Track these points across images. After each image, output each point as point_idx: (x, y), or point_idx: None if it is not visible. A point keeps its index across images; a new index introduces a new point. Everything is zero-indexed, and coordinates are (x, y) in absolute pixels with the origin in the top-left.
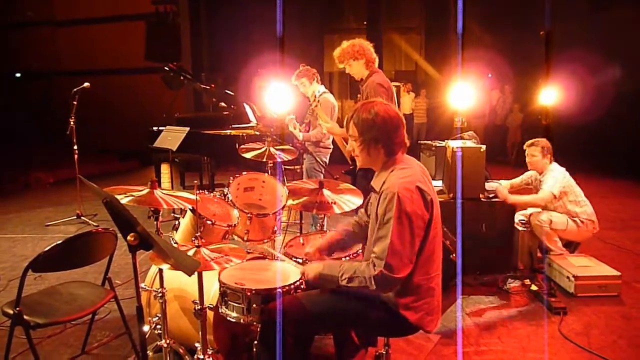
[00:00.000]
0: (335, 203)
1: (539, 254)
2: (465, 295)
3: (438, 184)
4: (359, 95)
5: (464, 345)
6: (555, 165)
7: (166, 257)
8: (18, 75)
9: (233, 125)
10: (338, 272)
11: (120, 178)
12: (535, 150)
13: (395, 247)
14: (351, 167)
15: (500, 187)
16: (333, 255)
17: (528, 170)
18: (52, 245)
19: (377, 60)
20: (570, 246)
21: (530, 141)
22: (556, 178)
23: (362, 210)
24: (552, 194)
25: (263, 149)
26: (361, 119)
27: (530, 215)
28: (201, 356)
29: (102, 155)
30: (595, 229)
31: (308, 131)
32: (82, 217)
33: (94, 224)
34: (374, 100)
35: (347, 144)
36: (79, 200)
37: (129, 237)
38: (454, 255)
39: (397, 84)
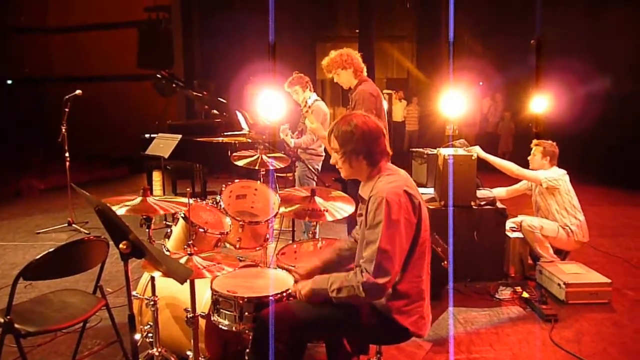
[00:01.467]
0: (327, 210)
1: (529, 261)
2: (456, 303)
3: (430, 191)
4: (349, 104)
5: (456, 352)
6: (555, 168)
7: (158, 265)
8: (9, 82)
9: (225, 133)
10: (327, 284)
11: (111, 185)
12: (537, 150)
13: (384, 252)
14: (339, 175)
15: (476, 148)
16: None
17: (474, 148)
18: (44, 253)
19: (365, 69)
20: (561, 254)
21: (537, 141)
22: (552, 171)
23: (357, 227)
24: (538, 178)
25: (255, 157)
26: (341, 131)
27: (522, 221)
28: None
29: (93, 162)
30: (585, 239)
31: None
32: (74, 225)
33: (86, 231)
34: (352, 113)
35: None
36: (70, 208)
37: (121, 245)
38: (446, 262)
39: (389, 91)
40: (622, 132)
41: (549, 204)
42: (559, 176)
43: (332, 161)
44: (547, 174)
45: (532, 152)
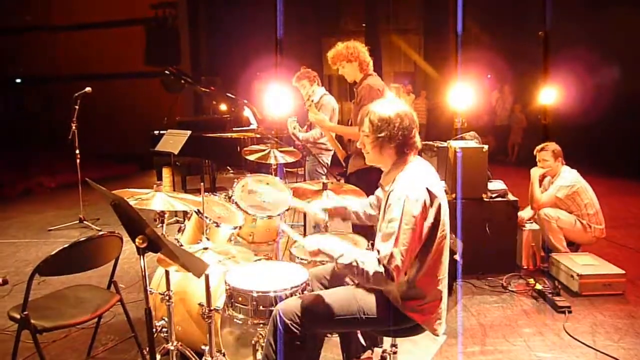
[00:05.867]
0: None
1: (542, 253)
2: (469, 296)
3: (441, 184)
4: (355, 98)
5: (470, 345)
6: (566, 168)
7: (175, 259)
8: (18, 80)
9: (234, 128)
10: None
11: (120, 182)
12: (547, 155)
13: (399, 248)
14: (344, 170)
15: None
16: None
17: (531, 169)
18: (59, 248)
19: (371, 63)
20: (572, 246)
21: (540, 146)
22: (565, 179)
23: (373, 196)
24: (555, 197)
25: (266, 151)
26: (378, 116)
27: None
28: (209, 358)
29: (103, 159)
30: (603, 235)
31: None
32: (85, 222)
33: (97, 228)
34: (392, 100)
35: (337, 142)
36: (81, 205)
37: (137, 240)
38: (457, 255)
39: (396, 85)
40: (632, 123)
41: (563, 201)
42: (572, 181)
43: (357, 145)
44: (561, 187)
45: (539, 159)
